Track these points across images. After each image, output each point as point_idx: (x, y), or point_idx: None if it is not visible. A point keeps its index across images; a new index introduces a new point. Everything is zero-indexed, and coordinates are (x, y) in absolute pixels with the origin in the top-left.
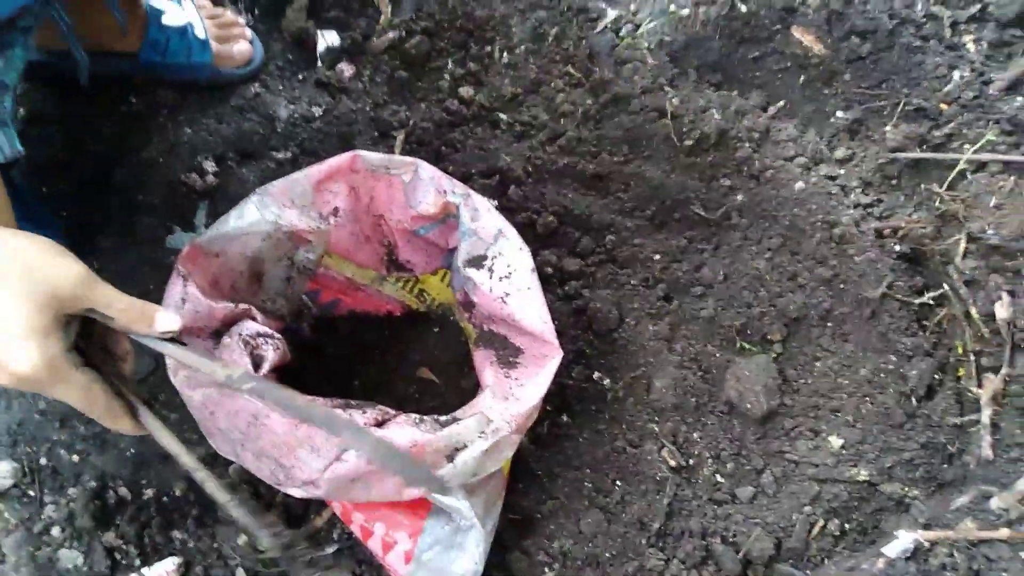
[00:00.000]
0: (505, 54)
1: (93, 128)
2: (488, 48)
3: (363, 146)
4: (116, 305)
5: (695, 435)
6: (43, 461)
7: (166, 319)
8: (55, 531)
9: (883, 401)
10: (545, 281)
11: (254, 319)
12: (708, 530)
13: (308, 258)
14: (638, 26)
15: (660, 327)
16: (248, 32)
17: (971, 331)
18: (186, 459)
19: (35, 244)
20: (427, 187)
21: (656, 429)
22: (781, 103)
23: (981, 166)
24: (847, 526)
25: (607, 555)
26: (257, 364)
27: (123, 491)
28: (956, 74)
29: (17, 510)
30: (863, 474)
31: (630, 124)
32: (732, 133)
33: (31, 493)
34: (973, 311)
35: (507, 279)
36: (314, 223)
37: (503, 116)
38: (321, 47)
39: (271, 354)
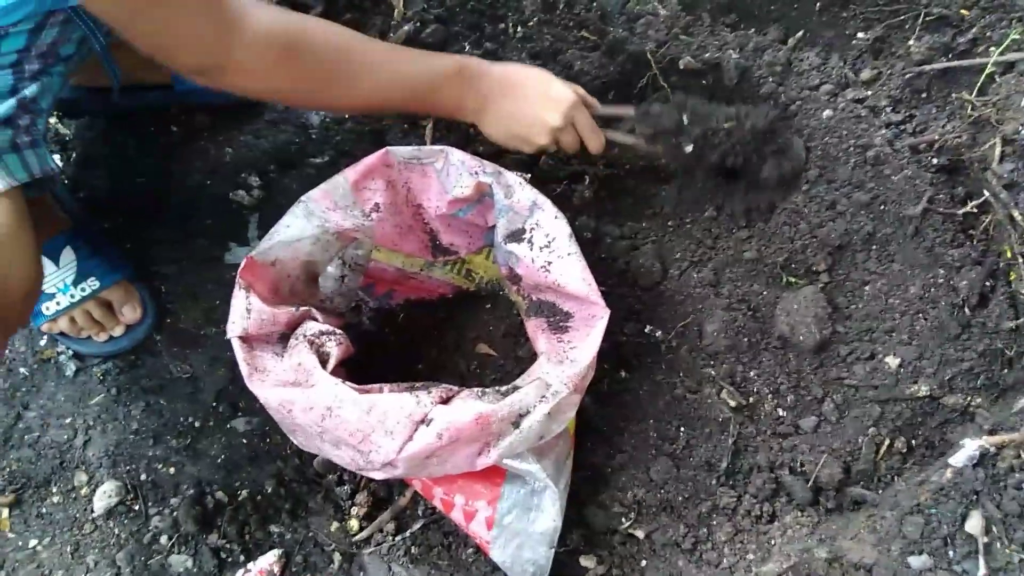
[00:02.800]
0: (519, 28)
1: (141, 162)
2: (502, 25)
3: (394, 139)
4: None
5: (752, 373)
6: (143, 477)
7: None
8: (163, 539)
9: (936, 315)
10: (585, 245)
11: (315, 319)
12: (775, 463)
13: (357, 254)
14: None
15: (704, 273)
16: None
17: (1016, 233)
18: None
19: None
20: (459, 171)
21: (712, 373)
22: (800, 33)
23: (1009, 67)
24: (914, 442)
25: (680, 499)
26: (323, 360)
27: (220, 495)
28: None
29: (125, 525)
30: (924, 389)
31: (650, 83)
32: (754, 71)
33: (136, 507)
34: (1015, 213)
35: (547, 248)
36: (358, 221)
37: None
38: None
39: (335, 349)
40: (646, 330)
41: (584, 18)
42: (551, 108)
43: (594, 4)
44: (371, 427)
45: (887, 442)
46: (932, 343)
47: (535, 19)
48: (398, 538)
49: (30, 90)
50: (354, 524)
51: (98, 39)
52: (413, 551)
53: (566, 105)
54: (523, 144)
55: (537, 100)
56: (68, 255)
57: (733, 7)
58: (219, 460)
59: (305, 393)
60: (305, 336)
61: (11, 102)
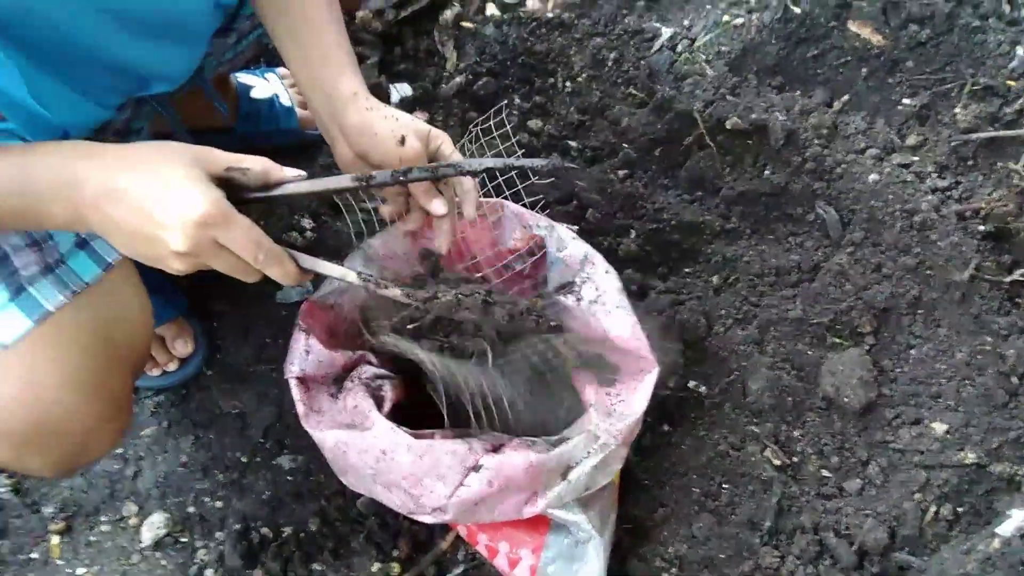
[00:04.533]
0: (568, 83)
1: None
2: (551, 80)
3: None
4: (249, 159)
5: (796, 433)
6: (191, 509)
7: (293, 170)
8: (208, 573)
9: (983, 383)
10: (630, 297)
11: (371, 363)
12: (820, 524)
13: None
14: (694, 40)
15: (749, 331)
16: None
17: None
18: (353, 278)
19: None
20: (513, 224)
21: (756, 430)
22: (846, 97)
23: None
24: (960, 510)
25: (722, 556)
26: (379, 403)
27: (264, 531)
28: (1020, 49)
29: (172, 556)
30: (971, 457)
31: (696, 142)
32: (800, 133)
33: (183, 539)
34: None
35: (596, 302)
36: (414, 269)
37: (572, 143)
38: (395, 98)
39: (390, 393)
40: (690, 385)
41: (632, 75)
42: (167, 228)
43: (642, 62)
44: (424, 472)
45: (933, 508)
46: (979, 410)
47: (584, 74)
48: None
49: None
50: (395, 566)
51: (170, 114)
52: None
53: (187, 225)
54: (163, 267)
55: (145, 215)
56: None
57: (779, 69)
58: (264, 496)
59: (361, 435)
60: (361, 379)
61: None
